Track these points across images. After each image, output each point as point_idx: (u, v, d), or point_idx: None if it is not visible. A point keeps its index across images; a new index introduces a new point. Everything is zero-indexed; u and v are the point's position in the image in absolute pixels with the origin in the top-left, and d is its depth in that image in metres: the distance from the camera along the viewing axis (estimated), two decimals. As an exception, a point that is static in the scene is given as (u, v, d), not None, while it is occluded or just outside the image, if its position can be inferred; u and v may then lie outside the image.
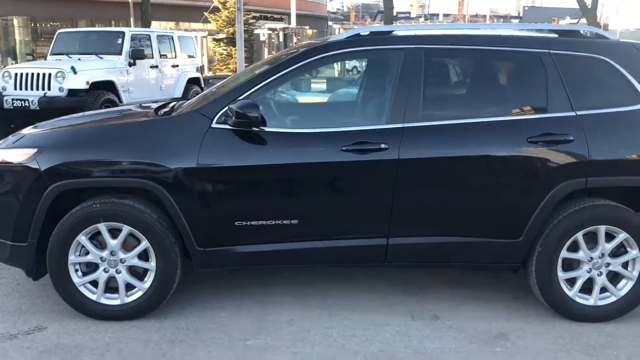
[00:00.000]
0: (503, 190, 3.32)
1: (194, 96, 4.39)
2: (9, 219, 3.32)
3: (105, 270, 3.35)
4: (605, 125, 3.34)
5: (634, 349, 3.19)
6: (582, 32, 3.70)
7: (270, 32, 30.29)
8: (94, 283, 3.38)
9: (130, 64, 10.72)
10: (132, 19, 27.22)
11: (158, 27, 28.93)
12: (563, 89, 3.35)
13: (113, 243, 3.31)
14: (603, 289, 3.42)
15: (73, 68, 9.46)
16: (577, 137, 3.28)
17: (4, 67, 10.26)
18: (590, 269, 3.39)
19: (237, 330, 3.34)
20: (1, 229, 3.36)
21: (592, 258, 3.37)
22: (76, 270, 3.35)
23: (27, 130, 3.73)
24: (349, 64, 16.70)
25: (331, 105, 5.18)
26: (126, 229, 3.27)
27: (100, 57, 10.60)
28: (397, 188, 3.26)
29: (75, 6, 29.67)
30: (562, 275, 3.39)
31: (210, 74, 24.73)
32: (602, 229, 3.32)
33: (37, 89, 9.43)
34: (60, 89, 9.33)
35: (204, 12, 26.27)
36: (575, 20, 25.33)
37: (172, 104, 3.90)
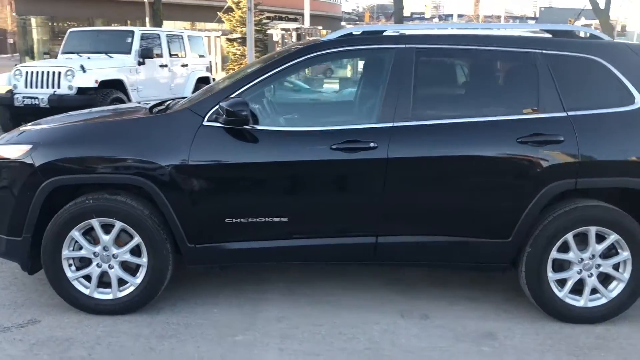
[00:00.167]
0: (491, 190, 3.32)
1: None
2: (5, 214, 3.39)
3: (98, 265, 3.41)
4: (597, 126, 3.33)
5: (623, 351, 3.18)
6: (576, 32, 3.68)
7: (284, 32, 30.33)
8: (88, 278, 3.44)
9: (139, 63, 10.81)
10: (147, 19, 27.45)
11: (173, 26, 29.14)
12: (554, 89, 3.34)
13: (106, 238, 3.36)
14: (594, 290, 3.41)
15: (82, 67, 9.58)
16: (568, 137, 3.27)
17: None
18: (580, 270, 3.38)
19: (227, 326, 3.37)
20: None
21: (582, 259, 3.36)
22: (70, 265, 3.41)
23: (27, 127, 3.80)
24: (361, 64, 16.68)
25: (324, 104, 5.21)
26: (118, 224, 3.32)
27: (110, 56, 10.71)
28: (386, 187, 3.28)
29: (92, 6, 30.00)
30: (552, 275, 3.38)
31: (224, 73, 24.84)
32: (592, 230, 3.31)
33: (47, 87, 9.55)
34: (70, 87, 9.45)
35: (218, 13, 26.39)
36: (590, 22, 25.08)
37: (167, 102, 3.95)
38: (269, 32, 29.08)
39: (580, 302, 3.41)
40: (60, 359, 3.01)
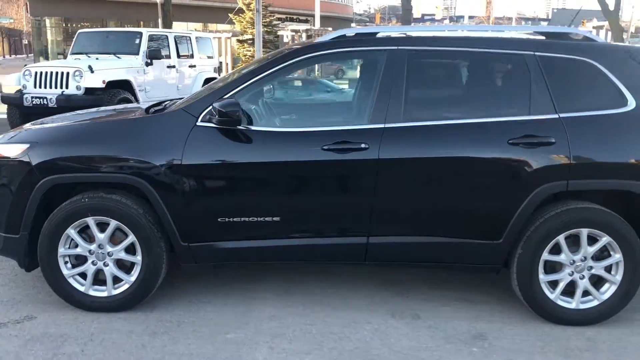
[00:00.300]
0: (482, 192, 3.33)
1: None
2: (3, 211, 3.45)
3: (93, 263, 3.46)
4: (589, 128, 3.32)
5: (613, 353, 3.17)
6: (570, 34, 3.68)
7: (293, 33, 30.41)
8: (83, 275, 3.49)
9: (147, 64, 10.91)
10: (159, 20, 27.67)
11: (186, 28, 29.33)
12: (546, 91, 3.34)
13: (101, 237, 3.41)
14: (586, 293, 3.41)
15: (90, 67, 9.69)
16: (559, 139, 3.27)
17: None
18: (572, 272, 3.37)
19: (219, 324, 3.41)
20: None
21: (574, 261, 3.36)
22: (65, 263, 3.47)
23: (28, 126, 3.87)
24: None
25: (317, 105, 5.24)
26: (113, 223, 3.37)
27: (118, 57, 10.82)
28: (377, 187, 3.30)
29: (105, 7, 30.32)
30: (543, 277, 3.38)
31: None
32: (584, 232, 3.31)
33: (56, 87, 9.69)
34: (78, 88, 9.57)
35: (229, 14, 26.53)
36: (602, 23, 24.89)
37: (165, 103, 4.00)
38: (279, 33, 29.17)
39: (572, 304, 3.41)
40: (54, 354, 3.06)
